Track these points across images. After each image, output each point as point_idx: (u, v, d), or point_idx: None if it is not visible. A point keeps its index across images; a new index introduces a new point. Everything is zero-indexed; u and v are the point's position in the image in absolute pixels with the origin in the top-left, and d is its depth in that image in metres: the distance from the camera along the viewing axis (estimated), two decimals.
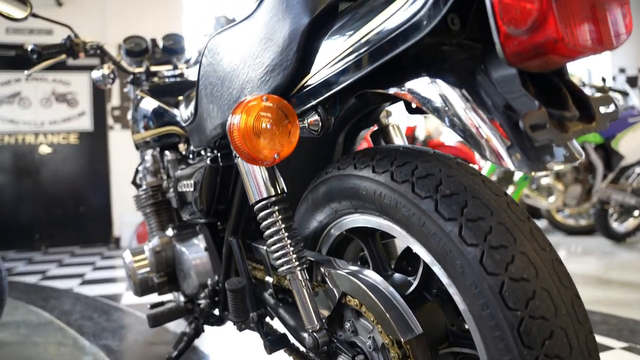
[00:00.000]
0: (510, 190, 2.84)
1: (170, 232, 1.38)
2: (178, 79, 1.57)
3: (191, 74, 1.66)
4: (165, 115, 1.36)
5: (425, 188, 0.61)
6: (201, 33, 1.77)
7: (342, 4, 0.71)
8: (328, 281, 0.78)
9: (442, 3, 0.50)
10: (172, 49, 1.66)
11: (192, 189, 1.08)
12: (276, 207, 0.76)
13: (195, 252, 1.23)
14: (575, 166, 3.42)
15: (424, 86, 0.58)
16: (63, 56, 1.50)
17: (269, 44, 0.71)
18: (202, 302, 1.21)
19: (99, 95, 5.04)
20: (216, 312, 1.24)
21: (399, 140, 0.97)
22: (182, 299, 1.37)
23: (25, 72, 1.50)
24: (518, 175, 3.18)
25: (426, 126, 4.70)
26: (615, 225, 3.74)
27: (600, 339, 1.71)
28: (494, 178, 2.65)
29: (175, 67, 1.65)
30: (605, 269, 2.91)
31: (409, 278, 0.77)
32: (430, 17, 0.51)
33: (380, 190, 0.66)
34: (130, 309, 2.39)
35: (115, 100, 4.99)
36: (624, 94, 3.50)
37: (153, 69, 1.63)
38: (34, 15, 1.42)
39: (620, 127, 3.32)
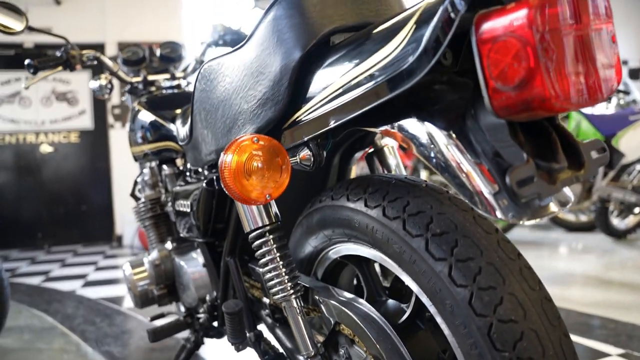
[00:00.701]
0: None
1: (169, 245, 1.39)
2: (175, 91, 1.57)
3: (189, 84, 1.65)
4: (161, 130, 1.37)
5: (416, 226, 0.61)
6: (198, 40, 1.76)
7: (336, 36, 0.70)
8: (323, 308, 0.78)
9: (436, 45, 0.49)
10: (169, 57, 1.65)
11: (188, 209, 1.09)
12: (271, 236, 0.76)
13: (194, 267, 1.24)
14: None
15: (413, 127, 0.58)
16: (59, 68, 1.50)
17: (260, 77, 0.71)
18: (202, 317, 1.22)
19: None
20: (215, 324, 1.26)
21: (393, 161, 0.97)
22: (182, 309, 1.38)
23: (23, 85, 1.51)
24: None
25: None
26: (615, 222, 3.74)
27: (597, 345, 1.72)
28: None
29: (173, 76, 1.65)
30: (606, 268, 2.91)
31: (402, 305, 0.77)
32: (425, 59, 0.51)
33: (373, 225, 0.66)
34: (132, 313, 2.41)
35: (115, 99, 4.99)
36: (625, 93, 3.48)
37: (150, 77, 1.63)
38: (30, 29, 1.42)
39: (621, 125, 3.31)
